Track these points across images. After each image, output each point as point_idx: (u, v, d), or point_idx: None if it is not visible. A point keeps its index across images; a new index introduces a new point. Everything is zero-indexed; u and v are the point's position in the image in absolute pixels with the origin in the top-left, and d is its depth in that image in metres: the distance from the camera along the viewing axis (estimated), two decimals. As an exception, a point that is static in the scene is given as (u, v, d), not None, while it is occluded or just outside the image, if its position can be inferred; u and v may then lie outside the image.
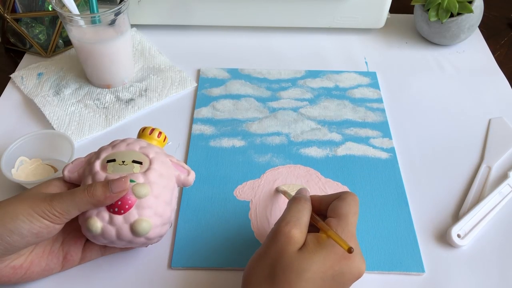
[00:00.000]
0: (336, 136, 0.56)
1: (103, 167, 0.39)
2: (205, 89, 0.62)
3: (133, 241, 0.39)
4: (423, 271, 0.43)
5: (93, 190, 0.37)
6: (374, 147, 0.55)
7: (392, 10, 0.73)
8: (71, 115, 0.57)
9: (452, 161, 0.54)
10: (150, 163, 0.40)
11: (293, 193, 0.44)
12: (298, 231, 0.35)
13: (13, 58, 0.67)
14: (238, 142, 0.55)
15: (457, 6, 0.63)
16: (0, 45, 0.69)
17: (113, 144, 0.42)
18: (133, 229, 0.38)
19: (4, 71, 0.65)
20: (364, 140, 0.55)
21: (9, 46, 0.68)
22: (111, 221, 0.38)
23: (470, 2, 0.64)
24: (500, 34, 0.74)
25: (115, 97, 0.60)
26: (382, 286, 0.43)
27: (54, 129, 0.55)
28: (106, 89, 0.61)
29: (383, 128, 0.57)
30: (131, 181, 0.38)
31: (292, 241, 0.35)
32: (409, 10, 0.75)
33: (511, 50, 0.71)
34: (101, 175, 0.39)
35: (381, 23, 0.70)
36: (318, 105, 0.60)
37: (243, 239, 0.45)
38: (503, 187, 0.50)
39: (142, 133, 0.44)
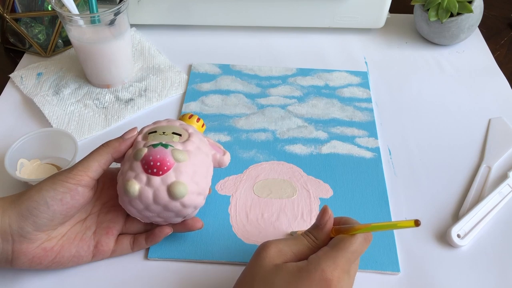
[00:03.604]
0: (322, 134, 0.56)
1: (144, 138, 0.42)
2: (195, 84, 0.62)
3: (168, 206, 0.39)
4: (398, 270, 0.43)
5: (108, 141, 0.41)
6: (359, 146, 0.55)
7: (392, 10, 0.73)
8: (70, 115, 0.57)
9: (452, 161, 0.54)
10: (189, 136, 0.42)
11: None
12: (275, 249, 0.36)
13: (13, 58, 0.67)
14: (223, 137, 0.55)
15: (457, 6, 0.63)
16: (0, 45, 0.69)
17: (154, 122, 0.44)
18: (170, 191, 0.38)
19: (4, 71, 0.65)
20: (350, 139, 0.55)
21: (8, 46, 0.68)
22: (148, 183, 0.38)
23: (470, 2, 0.64)
24: (500, 34, 0.74)
25: (114, 97, 0.60)
26: (368, 285, 0.43)
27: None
28: (106, 89, 0.61)
29: (370, 128, 0.57)
30: (171, 146, 0.39)
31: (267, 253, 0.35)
32: (409, 10, 0.75)
33: (511, 50, 0.71)
34: (141, 143, 0.41)
35: (381, 23, 0.69)
36: (306, 103, 0.60)
37: (221, 233, 0.46)
38: (503, 187, 0.50)
39: (181, 117, 0.47)
